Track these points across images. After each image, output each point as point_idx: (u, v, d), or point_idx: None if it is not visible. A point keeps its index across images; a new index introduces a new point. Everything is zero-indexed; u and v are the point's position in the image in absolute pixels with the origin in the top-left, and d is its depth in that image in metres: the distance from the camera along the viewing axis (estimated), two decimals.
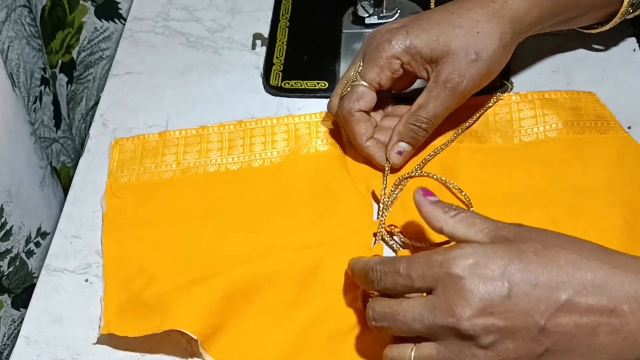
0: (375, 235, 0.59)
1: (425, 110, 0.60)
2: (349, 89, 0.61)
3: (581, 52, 0.71)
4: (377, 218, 0.60)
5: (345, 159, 0.64)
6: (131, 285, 0.58)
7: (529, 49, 0.69)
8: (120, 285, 0.58)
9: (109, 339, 0.55)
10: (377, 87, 0.61)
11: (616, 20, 0.65)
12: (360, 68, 0.61)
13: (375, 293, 0.50)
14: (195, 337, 0.52)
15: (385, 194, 0.61)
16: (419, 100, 0.60)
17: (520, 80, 0.69)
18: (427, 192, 0.51)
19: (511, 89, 0.68)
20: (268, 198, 0.62)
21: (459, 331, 0.44)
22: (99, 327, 0.56)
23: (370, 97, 0.61)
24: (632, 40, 0.71)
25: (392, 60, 0.60)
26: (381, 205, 0.61)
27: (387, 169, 0.62)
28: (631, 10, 0.64)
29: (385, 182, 0.61)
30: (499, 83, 0.67)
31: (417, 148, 0.63)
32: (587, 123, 0.64)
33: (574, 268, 0.44)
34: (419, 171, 0.62)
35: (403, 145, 0.61)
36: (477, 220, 0.48)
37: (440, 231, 0.49)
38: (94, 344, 0.56)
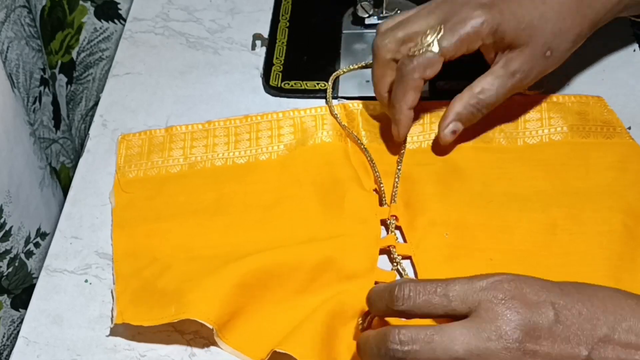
0: (383, 222, 0.60)
1: (488, 95, 0.60)
2: (421, 51, 0.58)
3: (581, 52, 0.70)
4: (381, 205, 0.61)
5: (348, 152, 0.64)
6: (143, 273, 0.58)
7: None
8: (131, 275, 0.58)
9: (111, 338, 0.55)
10: (447, 59, 0.59)
11: None
12: (441, 35, 0.58)
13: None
14: (210, 327, 0.52)
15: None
16: (483, 83, 0.60)
17: None
18: None
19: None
20: (276, 190, 0.62)
21: (507, 353, 0.43)
22: (112, 317, 0.56)
23: (438, 68, 0.58)
24: (632, 41, 0.71)
25: (475, 40, 0.58)
26: (380, 193, 0.61)
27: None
28: None
29: (378, 177, 0.62)
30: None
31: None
32: (593, 128, 0.63)
33: (614, 304, 0.44)
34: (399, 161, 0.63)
35: (458, 125, 0.61)
36: None
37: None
38: (107, 336, 0.56)
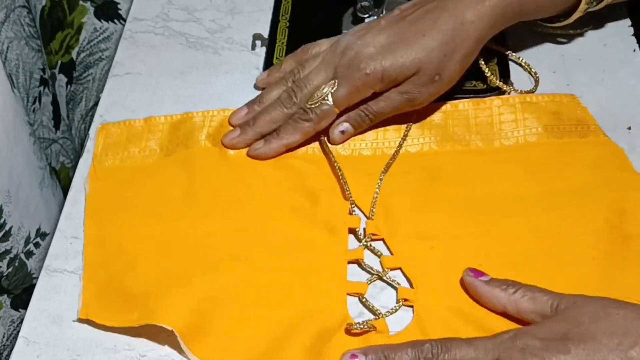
0: (351, 231, 0.59)
1: (376, 105, 0.63)
2: (317, 104, 0.62)
3: (581, 52, 0.71)
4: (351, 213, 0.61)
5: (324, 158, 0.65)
6: (111, 267, 0.58)
7: (529, 49, 0.69)
8: (99, 265, 0.59)
9: (111, 338, 0.55)
10: (341, 110, 0.63)
11: (576, 15, 0.65)
12: (334, 89, 0.62)
13: None
14: (174, 332, 0.52)
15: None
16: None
17: (520, 81, 0.69)
18: (477, 273, 0.54)
19: (510, 92, 0.68)
20: (247, 184, 0.63)
21: None
22: (78, 308, 0.56)
23: (332, 118, 0.63)
24: (632, 41, 0.71)
25: (366, 89, 0.62)
26: (350, 201, 0.61)
27: (323, 138, 0.65)
28: (595, 4, 0.65)
29: (346, 189, 0.62)
30: (501, 89, 0.67)
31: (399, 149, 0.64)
32: (567, 127, 0.64)
33: (635, 325, 0.46)
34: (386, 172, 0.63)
35: (347, 126, 0.64)
36: (538, 294, 0.51)
37: (503, 310, 0.52)
38: (73, 321, 0.56)
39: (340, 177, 0.62)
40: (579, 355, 0.45)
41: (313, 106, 0.62)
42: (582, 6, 0.64)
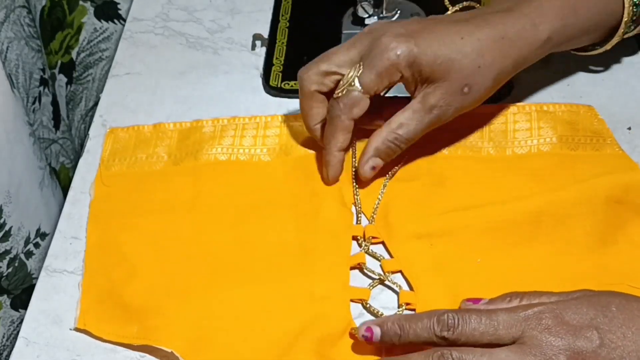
0: (354, 238, 0.59)
1: (406, 130, 0.59)
2: (344, 92, 0.58)
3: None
4: (357, 222, 0.61)
5: None
6: (111, 275, 0.58)
7: None
8: (100, 272, 0.58)
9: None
10: (372, 95, 0.59)
11: (614, 40, 0.63)
12: (360, 72, 0.58)
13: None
14: (174, 353, 0.52)
15: (358, 202, 0.61)
16: (401, 118, 0.59)
17: (520, 81, 0.69)
18: (474, 301, 0.52)
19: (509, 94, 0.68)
20: (252, 194, 0.62)
21: None
22: (76, 316, 0.56)
23: (365, 105, 0.59)
24: (632, 41, 0.71)
25: (394, 72, 0.57)
26: (357, 209, 0.61)
27: (353, 182, 0.62)
28: (632, 28, 0.63)
29: (355, 194, 0.62)
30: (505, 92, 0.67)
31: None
32: (582, 139, 0.63)
33: None
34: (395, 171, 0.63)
35: (377, 161, 0.60)
36: (544, 298, 0.49)
37: None
38: (70, 329, 0.56)
39: (354, 188, 0.62)
40: (605, 344, 0.45)
41: (341, 94, 0.58)
42: (620, 31, 0.62)
